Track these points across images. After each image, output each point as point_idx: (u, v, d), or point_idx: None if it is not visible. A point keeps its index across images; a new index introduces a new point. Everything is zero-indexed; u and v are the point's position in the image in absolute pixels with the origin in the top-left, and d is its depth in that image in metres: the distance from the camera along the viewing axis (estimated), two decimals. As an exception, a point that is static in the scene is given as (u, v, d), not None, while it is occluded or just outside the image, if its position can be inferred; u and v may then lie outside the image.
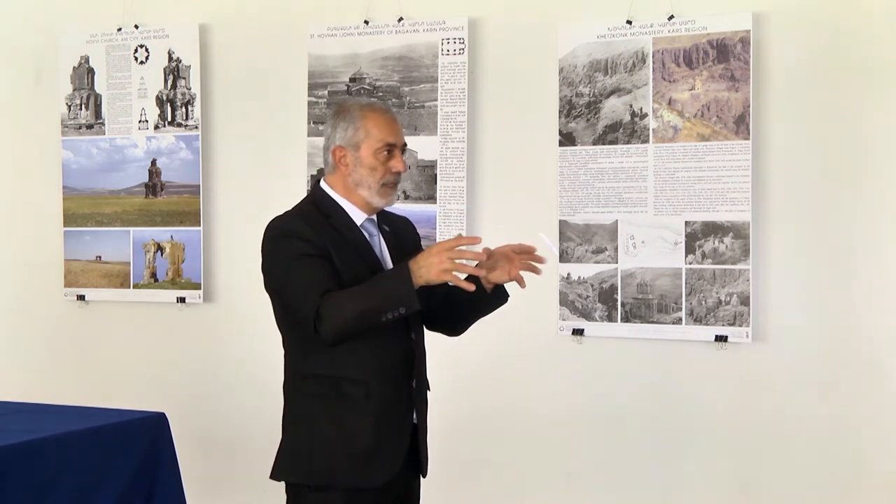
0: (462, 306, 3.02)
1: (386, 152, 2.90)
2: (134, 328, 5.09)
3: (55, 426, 3.51)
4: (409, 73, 4.55)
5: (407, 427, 2.92)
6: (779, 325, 4.08)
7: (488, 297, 2.98)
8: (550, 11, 4.37)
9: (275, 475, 2.96)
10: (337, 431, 2.83)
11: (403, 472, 2.92)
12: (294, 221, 2.88)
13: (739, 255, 4.05)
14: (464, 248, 2.74)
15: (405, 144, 2.97)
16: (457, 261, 2.69)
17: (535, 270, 2.92)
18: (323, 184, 2.98)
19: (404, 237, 3.07)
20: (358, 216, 2.93)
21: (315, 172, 4.69)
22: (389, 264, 2.92)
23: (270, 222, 2.92)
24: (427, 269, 2.69)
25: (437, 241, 4.47)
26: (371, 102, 3.01)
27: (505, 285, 2.97)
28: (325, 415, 2.85)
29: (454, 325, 3.14)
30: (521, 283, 2.89)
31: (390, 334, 2.86)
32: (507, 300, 3.03)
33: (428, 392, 3.06)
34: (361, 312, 2.71)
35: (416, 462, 2.97)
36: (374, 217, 2.98)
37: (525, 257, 2.92)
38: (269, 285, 2.90)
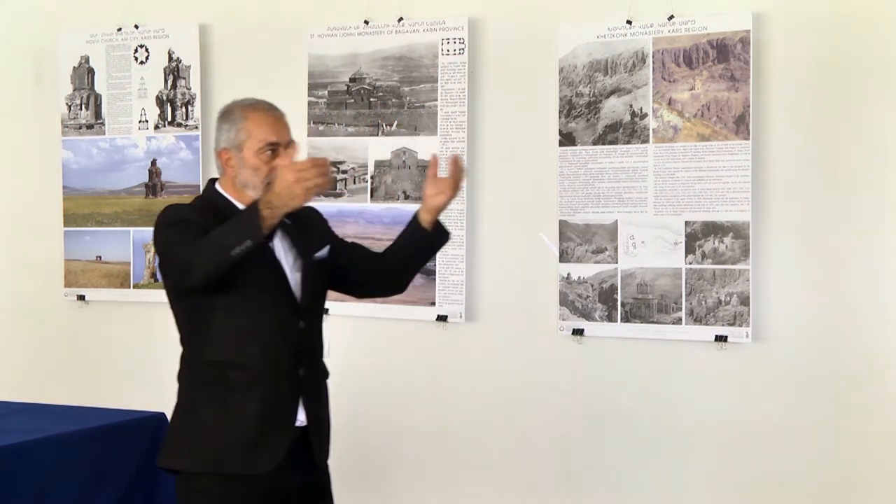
0: (405, 257, 3.07)
1: (269, 152, 2.89)
2: (134, 328, 5.09)
3: (55, 426, 3.51)
4: (409, 73, 4.55)
5: (292, 417, 2.90)
6: (779, 325, 4.08)
7: (428, 235, 3.02)
8: (550, 11, 4.37)
9: (161, 462, 2.96)
10: (221, 418, 2.84)
11: (300, 464, 2.91)
12: (184, 211, 2.91)
13: (739, 255, 4.05)
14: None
15: (291, 142, 2.95)
16: (308, 183, 2.67)
17: (458, 175, 2.97)
18: (217, 185, 3.00)
19: (311, 222, 3.07)
20: None
21: (315, 172, 4.69)
22: (281, 250, 2.92)
23: (162, 211, 2.94)
24: (285, 201, 2.67)
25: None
26: (254, 102, 2.99)
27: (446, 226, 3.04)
28: (210, 401, 2.86)
29: (399, 279, 3.17)
30: (450, 192, 2.97)
31: (277, 322, 2.89)
32: (448, 237, 3.08)
33: (326, 380, 3.04)
34: (216, 248, 2.70)
35: (308, 455, 2.94)
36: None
37: (449, 172, 2.97)
38: (161, 273, 2.95)
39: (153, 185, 5.02)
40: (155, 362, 5.03)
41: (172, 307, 2.97)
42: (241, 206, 2.89)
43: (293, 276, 2.94)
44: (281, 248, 2.95)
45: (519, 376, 4.46)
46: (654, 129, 4.19)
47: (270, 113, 2.96)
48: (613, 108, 4.25)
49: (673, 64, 4.16)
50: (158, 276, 4.97)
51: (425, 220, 3.00)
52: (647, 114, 4.20)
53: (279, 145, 2.91)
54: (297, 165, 2.71)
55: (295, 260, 2.97)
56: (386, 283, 3.19)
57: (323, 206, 4.61)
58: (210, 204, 2.94)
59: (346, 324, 4.49)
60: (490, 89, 4.49)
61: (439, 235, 3.05)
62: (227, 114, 2.95)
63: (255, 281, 2.85)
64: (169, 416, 3.79)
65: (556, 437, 4.41)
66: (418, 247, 3.08)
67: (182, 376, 2.97)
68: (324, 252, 3.05)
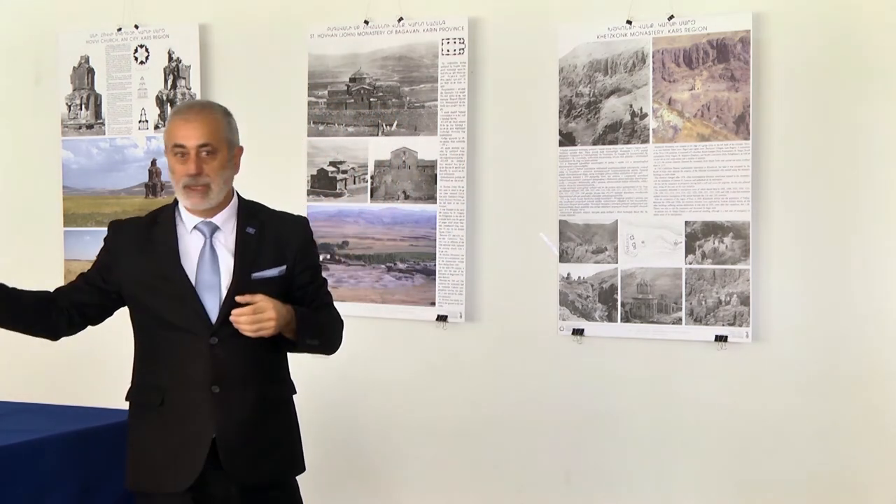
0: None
1: (179, 154, 2.95)
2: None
3: (55, 426, 3.51)
4: (409, 73, 4.55)
5: (207, 434, 2.90)
6: (779, 325, 4.08)
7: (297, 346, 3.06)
8: (550, 11, 4.37)
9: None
10: (137, 438, 2.99)
11: (222, 485, 2.92)
12: (114, 226, 3.13)
13: (739, 255, 4.05)
14: None
15: (205, 144, 2.95)
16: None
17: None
18: None
19: (276, 237, 3.05)
20: (190, 220, 3.01)
21: (315, 172, 4.69)
22: (207, 262, 2.96)
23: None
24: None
25: (437, 254, 4.48)
26: (179, 105, 3.11)
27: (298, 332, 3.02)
28: (133, 421, 3.02)
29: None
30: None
31: (188, 341, 2.92)
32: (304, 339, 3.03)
33: (251, 393, 2.98)
34: None
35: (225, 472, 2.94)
36: (213, 220, 3.01)
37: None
38: None
39: (153, 185, 5.02)
40: (155, 362, 5.03)
41: None
42: (184, 210, 3.03)
43: (214, 293, 2.95)
44: (208, 263, 2.99)
45: (519, 376, 4.45)
46: (654, 129, 4.19)
47: (183, 115, 3.00)
48: (613, 108, 4.25)
49: (673, 64, 4.16)
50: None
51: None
52: (647, 114, 4.20)
53: (184, 147, 2.95)
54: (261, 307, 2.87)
55: (227, 275, 2.97)
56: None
57: (323, 205, 4.65)
58: (158, 210, 3.16)
59: (346, 323, 4.48)
60: (490, 89, 4.49)
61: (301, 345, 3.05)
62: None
63: (165, 297, 2.97)
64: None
65: (556, 437, 4.41)
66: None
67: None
68: (271, 272, 3.01)
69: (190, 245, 3.00)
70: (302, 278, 3.08)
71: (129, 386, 3.09)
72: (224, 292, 2.95)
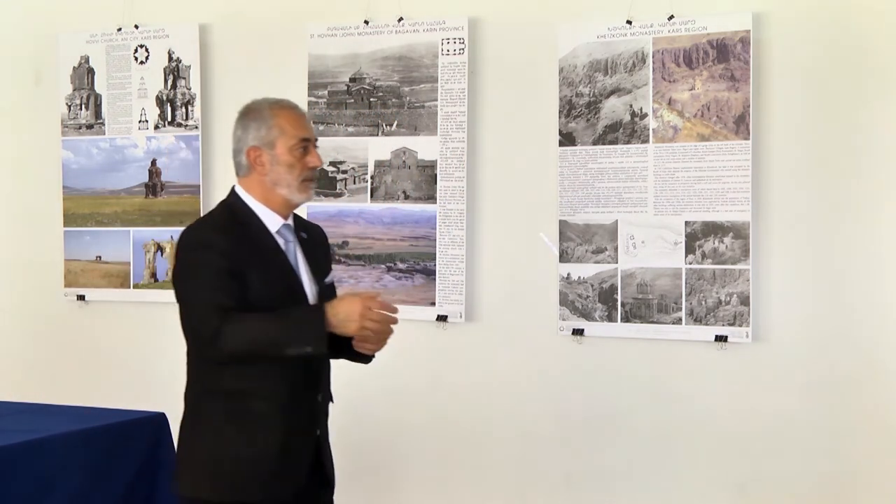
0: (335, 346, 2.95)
1: (302, 148, 2.88)
2: (134, 328, 5.09)
3: (55, 426, 3.51)
4: (409, 73, 4.55)
5: (311, 441, 2.91)
6: (779, 325, 4.08)
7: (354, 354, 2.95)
8: (550, 11, 4.37)
9: (181, 489, 2.90)
10: (244, 447, 2.80)
11: (310, 486, 2.90)
12: (209, 231, 2.84)
13: (739, 255, 4.05)
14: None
15: (317, 139, 2.98)
16: (369, 324, 2.72)
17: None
18: (237, 188, 2.93)
19: (318, 246, 3.05)
20: (273, 222, 2.89)
21: (315, 172, 4.69)
22: (304, 273, 2.91)
23: (184, 231, 2.90)
24: (343, 323, 2.71)
25: (437, 254, 4.48)
26: (279, 100, 2.95)
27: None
28: (232, 430, 2.81)
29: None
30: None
31: None
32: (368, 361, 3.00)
33: (330, 404, 3.02)
34: (266, 342, 2.70)
35: (321, 475, 2.94)
36: (291, 222, 2.94)
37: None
38: (177, 296, 2.85)
39: (153, 185, 5.02)
40: (155, 362, 5.04)
41: (184, 332, 2.88)
42: (262, 211, 2.87)
43: (310, 300, 2.91)
44: (304, 270, 2.93)
45: (519, 376, 4.46)
46: (654, 129, 4.19)
47: (298, 110, 2.95)
48: (613, 108, 4.25)
49: (673, 64, 4.16)
50: (158, 276, 4.98)
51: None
52: (647, 114, 4.20)
53: (310, 141, 2.91)
54: (372, 303, 2.72)
55: (310, 283, 2.94)
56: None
57: (323, 205, 4.64)
58: (231, 213, 2.89)
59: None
60: (490, 89, 4.49)
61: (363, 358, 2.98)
62: (254, 112, 2.91)
63: (280, 306, 2.80)
64: (170, 417, 3.82)
65: (556, 437, 4.41)
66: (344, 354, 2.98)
67: (197, 400, 2.90)
68: (330, 277, 3.04)
69: (287, 251, 2.92)
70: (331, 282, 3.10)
71: (187, 391, 2.93)
72: (312, 300, 2.91)
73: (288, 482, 2.83)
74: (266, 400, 2.80)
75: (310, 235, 3.01)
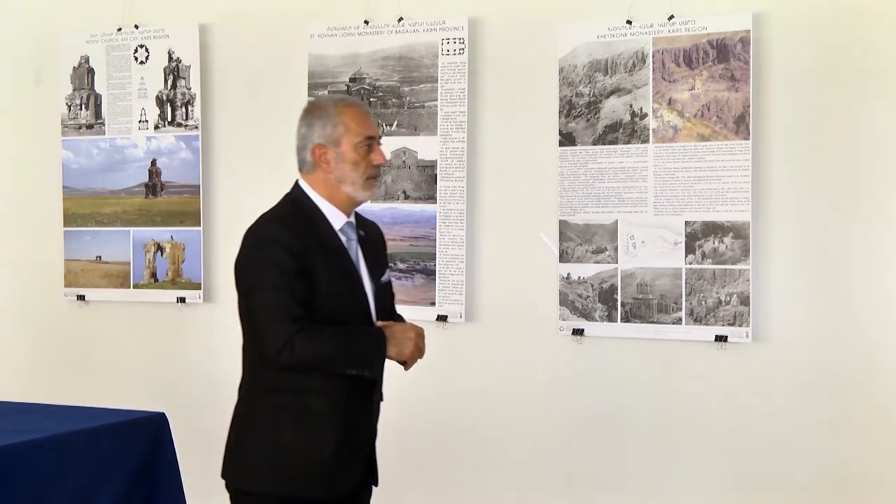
0: None
1: (366, 146, 2.89)
2: (134, 328, 5.09)
3: (55, 426, 3.51)
4: (409, 73, 4.55)
5: (367, 439, 2.95)
6: (779, 325, 4.08)
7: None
8: (550, 11, 4.37)
9: (235, 481, 2.92)
10: (301, 443, 2.83)
11: (358, 484, 2.94)
12: (277, 227, 2.85)
13: (739, 255, 4.05)
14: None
15: (381, 136, 2.99)
16: (422, 350, 2.90)
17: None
18: (302, 183, 2.95)
19: (375, 243, 3.07)
20: (337, 219, 2.91)
21: (315, 172, 4.69)
22: (364, 271, 2.93)
23: (252, 226, 2.90)
24: (399, 352, 2.86)
25: (437, 254, 4.47)
26: (344, 98, 3.02)
27: None
28: (290, 426, 2.84)
29: None
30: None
31: None
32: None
33: (381, 402, 3.06)
34: (330, 360, 2.79)
35: (368, 473, 2.98)
36: (353, 220, 2.96)
37: None
38: (242, 291, 2.88)
39: (153, 185, 5.02)
40: (155, 362, 5.05)
41: (243, 326, 2.94)
42: (326, 208, 2.89)
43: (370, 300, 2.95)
44: (364, 269, 2.94)
45: (519, 376, 4.45)
46: (654, 129, 4.19)
47: (362, 108, 2.97)
48: (613, 108, 4.25)
49: (673, 64, 4.16)
50: (158, 276, 4.98)
51: None
52: (647, 114, 4.20)
53: (374, 139, 2.91)
54: (421, 331, 2.89)
55: (369, 282, 2.96)
56: None
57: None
58: (297, 208, 2.91)
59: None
60: (490, 89, 4.49)
61: None
62: (320, 110, 2.92)
63: (342, 305, 2.85)
64: (170, 417, 3.81)
65: (556, 437, 4.41)
66: None
67: (254, 395, 2.91)
68: (387, 276, 3.06)
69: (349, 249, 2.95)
70: (388, 280, 3.12)
71: (252, 388, 2.94)
72: (372, 301, 2.95)
73: (345, 478, 2.87)
74: (325, 397, 2.83)
75: (367, 233, 3.02)
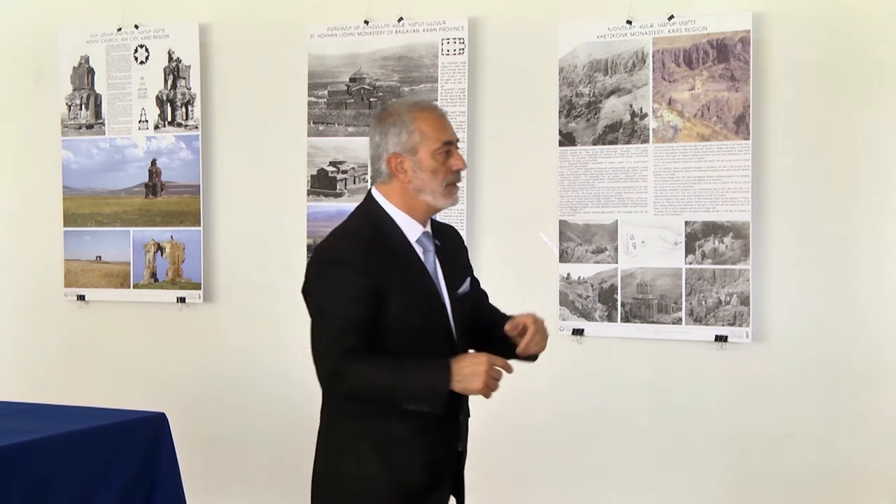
0: (491, 345, 2.87)
1: (445, 152, 2.73)
2: (134, 328, 5.10)
3: (55, 426, 3.51)
4: (409, 73, 4.55)
5: (453, 459, 2.82)
6: (779, 325, 4.08)
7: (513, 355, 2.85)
8: (550, 11, 4.37)
9: None
10: (387, 469, 2.69)
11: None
12: (348, 247, 2.67)
13: (739, 255, 4.05)
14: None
15: (458, 140, 2.82)
16: (493, 383, 2.62)
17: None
18: (376, 194, 2.78)
19: (454, 249, 2.90)
20: (413, 231, 2.75)
21: (315, 172, 4.69)
22: (442, 283, 2.77)
23: (324, 242, 2.76)
24: (467, 385, 2.59)
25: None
26: (418, 102, 2.82)
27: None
28: (374, 452, 2.69)
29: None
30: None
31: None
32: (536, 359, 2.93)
33: (468, 419, 2.92)
34: (385, 393, 2.60)
35: (454, 490, 2.88)
36: (429, 229, 2.80)
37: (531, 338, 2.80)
38: (310, 312, 2.72)
39: (153, 185, 5.02)
40: (155, 362, 5.05)
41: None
42: (403, 220, 2.74)
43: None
44: (441, 281, 2.78)
45: (519, 376, 4.43)
46: (654, 129, 4.19)
47: (438, 111, 2.80)
48: (613, 108, 4.25)
49: (673, 64, 4.16)
50: (158, 276, 4.98)
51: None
52: (647, 114, 4.20)
53: (452, 144, 2.76)
54: (495, 362, 2.60)
55: (447, 295, 2.79)
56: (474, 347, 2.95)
57: (323, 205, 4.64)
58: (370, 222, 2.74)
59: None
60: (490, 89, 4.49)
61: (529, 358, 2.90)
62: (393, 117, 2.75)
63: (419, 323, 2.70)
64: (170, 417, 3.82)
65: (556, 437, 4.41)
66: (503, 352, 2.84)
67: (336, 421, 2.75)
68: (466, 286, 2.87)
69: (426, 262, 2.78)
70: (476, 283, 2.97)
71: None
72: (451, 315, 2.78)
73: (431, 502, 2.76)
74: (406, 421, 2.67)
75: (445, 240, 2.86)
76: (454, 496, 2.91)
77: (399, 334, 2.66)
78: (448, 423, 2.76)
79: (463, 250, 2.97)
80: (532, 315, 2.77)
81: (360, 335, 2.59)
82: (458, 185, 2.80)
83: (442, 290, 2.77)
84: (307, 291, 2.73)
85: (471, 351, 2.78)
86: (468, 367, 2.58)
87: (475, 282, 2.97)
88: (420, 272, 2.73)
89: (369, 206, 2.78)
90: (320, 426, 2.82)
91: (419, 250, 2.76)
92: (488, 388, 2.61)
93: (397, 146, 2.73)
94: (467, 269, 2.93)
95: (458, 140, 2.80)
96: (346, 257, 2.65)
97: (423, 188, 2.73)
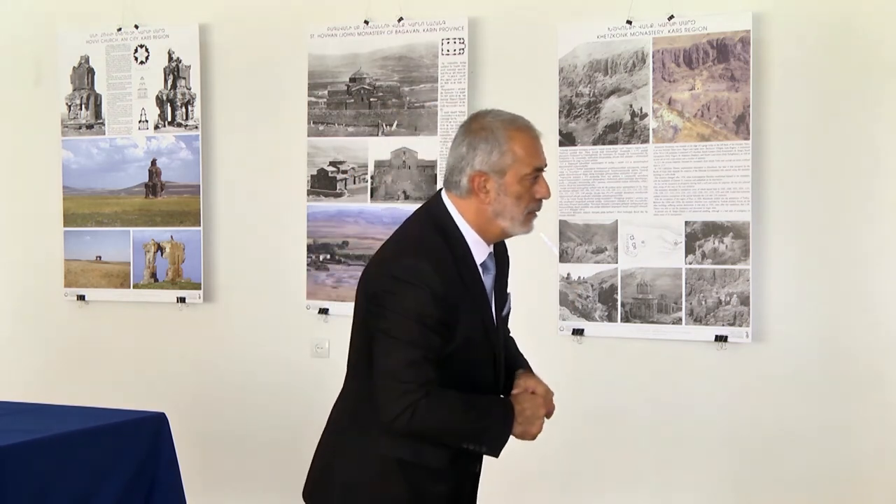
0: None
1: (533, 178, 2.55)
2: (134, 328, 5.09)
3: (55, 426, 3.51)
4: (409, 73, 4.55)
5: (473, 481, 2.73)
6: (779, 325, 4.08)
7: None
8: (550, 11, 4.37)
9: None
10: (413, 497, 2.56)
11: None
12: (428, 268, 2.45)
13: (739, 255, 4.05)
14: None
15: (546, 165, 2.62)
16: (547, 419, 2.57)
17: None
18: (448, 203, 2.59)
19: (503, 266, 2.76)
20: (480, 252, 2.58)
21: (315, 172, 4.69)
22: (493, 307, 2.64)
23: (396, 253, 2.55)
24: (526, 428, 2.54)
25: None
26: (515, 119, 2.60)
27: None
28: (400, 478, 2.54)
29: None
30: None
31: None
32: None
33: None
34: (450, 434, 2.49)
35: None
36: (492, 250, 2.65)
37: None
38: (372, 326, 2.50)
39: (153, 185, 5.02)
40: (155, 362, 5.04)
41: (363, 365, 2.56)
42: (472, 239, 2.56)
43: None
44: (493, 302, 2.63)
45: (519, 376, 4.45)
46: (654, 129, 4.19)
47: (534, 132, 2.60)
48: (613, 108, 4.25)
49: (673, 64, 4.16)
50: (158, 276, 4.98)
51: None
52: (647, 114, 4.20)
53: (542, 170, 2.58)
54: (551, 406, 2.54)
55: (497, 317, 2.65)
56: None
57: (323, 205, 4.64)
58: (440, 233, 2.55)
59: (346, 325, 4.48)
60: (490, 89, 4.49)
61: None
62: (486, 132, 2.57)
63: (475, 353, 2.56)
64: (170, 417, 3.81)
65: (556, 437, 4.40)
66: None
67: (360, 442, 2.58)
68: (509, 305, 2.76)
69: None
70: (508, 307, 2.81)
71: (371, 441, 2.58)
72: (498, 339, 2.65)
73: None
74: (441, 451, 2.55)
75: (497, 258, 2.70)
76: None
77: (455, 363, 2.51)
78: (476, 452, 2.66)
79: (507, 266, 2.80)
80: (544, 386, 2.67)
81: (436, 367, 2.44)
82: (538, 213, 2.62)
83: (493, 316, 2.63)
84: (375, 307, 2.50)
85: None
86: (529, 411, 2.51)
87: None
88: (482, 300, 2.58)
89: (439, 216, 2.58)
90: (336, 435, 2.67)
91: (481, 272, 2.60)
92: (542, 426, 2.55)
93: (485, 164, 2.54)
94: (507, 287, 2.78)
95: (546, 166, 2.62)
96: (426, 280, 2.44)
97: (502, 213, 2.55)
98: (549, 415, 2.60)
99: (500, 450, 2.52)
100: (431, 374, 2.43)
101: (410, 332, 2.42)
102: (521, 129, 2.57)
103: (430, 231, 2.56)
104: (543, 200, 2.61)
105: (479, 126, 2.59)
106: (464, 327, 2.50)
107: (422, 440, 2.50)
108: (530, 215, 2.59)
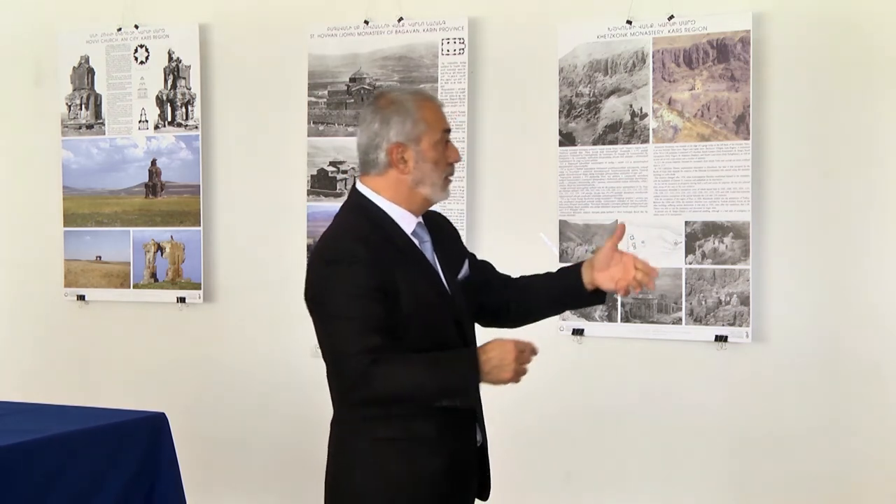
0: (552, 303, 2.87)
1: (444, 142, 2.65)
2: (134, 328, 5.10)
3: (55, 426, 3.51)
4: (409, 73, 4.55)
5: (475, 454, 2.73)
6: (779, 325, 4.08)
7: (585, 296, 2.79)
8: (550, 11, 4.37)
9: None
10: (411, 474, 2.58)
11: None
12: (350, 243, 2.54)
13: (739, 255, 4.05)
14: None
15: (450, 130, 2.73)
16: (522, 367, 2.52)
17: (643, 286, 2.72)
18: (363, 188, 2.66)
19: (446, 236, 2.80)
20: (408, 223, 2.65)
21: (315, 172, 4.69)
22: (440, 272, 2.67)
23: (320, 243, 2.65)
24: (496, 376, 2.49)
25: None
26: (418, 91, 2.72)
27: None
28: (396, 457, 2.58)
29: (526, 317, 2.89)
30: (623, 293, 2.74)
31: None
32: (603, 301, 2.85)
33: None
34: (415, 392, 2.49)
35: (482, 487, 2.80)
36: (422, 220, 2.70)
37: (640, 274, 2.70)
38: (317, 315, 2.60)
39: (153, 185, 5.02)
40: (155, 362, 5.04)
41: (323, 354, 2.64)
42: (395, 212, 2.63)
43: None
44: (439, 267, 2.67)
45: (519, 376, 4.45)
46: (654, 129, 4.19)
47: (437, 100, 2.72)
48: (613, 108, 4.25)
49: (673, 64, 4.16)
50: (158, 276, 4.98)
51: (589, 282, 2.76)
52: (647, 114, 4.20)
53: (448, 133, 2.68)
54: (520, 346, 2.49)
55: (449, 283, 2.68)
56: (516, 316, 2.89)
57: (323, 205, 4.65)
58: (364, 217, 2.62)
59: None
60: (490, 89, 4.49)
61: (595, 298, 2.82)
62: (396, 105, 2.62)
63: (431, 317, 2.60)
64: (170, 417, 3.81)
65: (556, 437, 4.41)
66: (571, 300, 2.89)
67: (352, 427, 2.63)
68: (465, 271, 2.78)
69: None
70: (473, 261, 2.87)
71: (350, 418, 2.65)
72: (457, 304, 2.69)
73: (456, 501, 2.68)
74: (430, 419, 2.59)
75: (435, 229, 2.75)
76: (479, 496, 2.81)
77: (412, 331, 2.54)
78: (465, 418, 2.68)
79: (455, 235, 2.87)
80: (513, 346, 2.52)
81: (382, 333, 2.47)
82: (452, 178, 2.71)
83: (443, 281, 2.67)
84: (311, 296, 2.59)
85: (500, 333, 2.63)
86: (496, 358, 2.48)
87: (474, 261, 2.87)
88: (422, 264, 2.63)
89: (359, 201, 2.66)
90: (332, 435, 2.71)
91: (416, 242, 2.65)
92: (518, 375, 2.51)
93: (401, 135, 2.60)
94: (462, 254, 2.84)
95: (451, 129, 2.73)
96: (350, 254, 2.52)
97: (422, 180, 2.63)
98: (535, 351, 2.56)
99: (473, 398, 2.60)
100: (377, 341, 2.46)
101: (348, 307, 2.49)
102: (426, 98, 2.69)
103: (350, 216, 2.67)
104: (455, 165, 2.71)
105: (387, 101, 2.66)
106: (409, 292, 2.54)
107: (413, 416, 2.56)
108: (447, 180, 2.68)
